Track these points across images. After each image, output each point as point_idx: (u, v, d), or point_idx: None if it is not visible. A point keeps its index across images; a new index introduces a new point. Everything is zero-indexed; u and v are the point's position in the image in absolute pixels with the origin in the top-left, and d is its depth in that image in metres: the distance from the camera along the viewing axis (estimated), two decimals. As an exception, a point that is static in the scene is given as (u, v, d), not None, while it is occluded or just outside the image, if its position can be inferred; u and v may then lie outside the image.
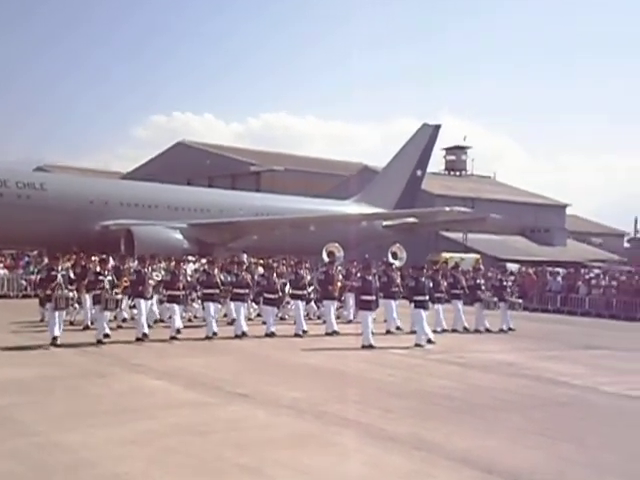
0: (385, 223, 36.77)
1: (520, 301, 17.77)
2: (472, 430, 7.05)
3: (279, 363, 11.17)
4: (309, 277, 16.03)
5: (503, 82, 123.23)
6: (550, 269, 29.95)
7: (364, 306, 13.41)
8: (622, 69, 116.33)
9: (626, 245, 56.72)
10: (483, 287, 17.06)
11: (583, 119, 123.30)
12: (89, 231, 26.46)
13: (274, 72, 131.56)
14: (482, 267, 21.71)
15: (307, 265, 17.05)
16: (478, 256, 36.44)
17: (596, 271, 30.97)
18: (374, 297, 13.50)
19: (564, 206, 56.10)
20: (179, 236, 27.38)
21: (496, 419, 7.62)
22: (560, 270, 29.67)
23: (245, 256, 19.81)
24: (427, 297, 13.87)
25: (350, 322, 16.64)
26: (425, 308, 13.71)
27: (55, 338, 11.66)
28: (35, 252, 26.87)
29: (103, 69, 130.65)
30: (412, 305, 13.95)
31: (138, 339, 12.61)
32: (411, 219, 37.16)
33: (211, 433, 6.53)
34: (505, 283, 17.42)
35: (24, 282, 21.46)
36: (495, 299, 16.67)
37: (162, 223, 27.62)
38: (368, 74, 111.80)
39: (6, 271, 21.68)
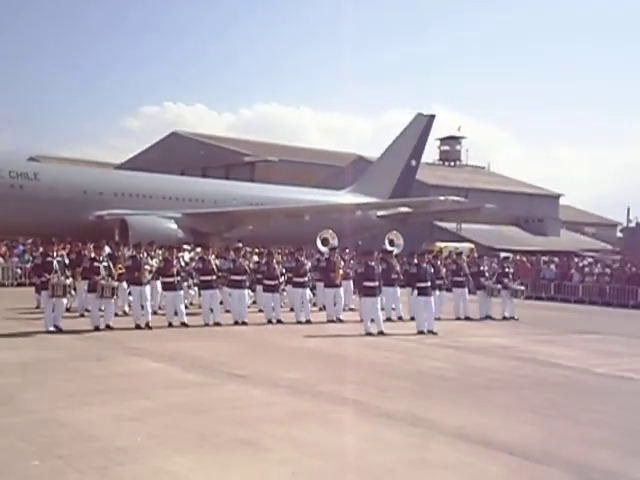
0: (379, 213, 36.87)
1: (522, 288, 17.51)
2: (466, 408, 7.15)
3: (277, 347, 11.25)
4: (309, 264, 15.95)
5: (496, 74, 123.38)
6: (544, 258, 30.13)
7: (367, 292, 13.10)
8: (618, 60, 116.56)
9: (619, 235, 57.04)
10: (487, 274, 16.97)
11: (577, 111, 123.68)
12: (83, 221, 26.46)
13: (267, 64, 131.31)
14: (477, 256, 21.83)
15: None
16: (472, 246, 36.65)
17: (589, 260, 31.19)
18: (377, 283, 13.28)
19: (557, 196, 56.39)
20: (173, 226, 27.42)
21: (490, 398, 7.72)
22: (554, 259, 29.86)
23: (240, 245, 19.85)
24: (429, 284, 13.75)
25: (352, 309, 16.46)
26: (427, 295, 13.60)
27: (49, 332, 11.46)
28: (30, 241, 26.83)
29: (94, 60, 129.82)
30: (414, 292, 13.84)
31: (137, 326, 12.52)
32: (405, 209, 37.29)
33: (209, 411, 6.60)
34: (507, 270, 17.35)
35: (19, 270, 21.44)
36: (498, 286, 16.58)
37: (156, 213, 27.64)
38: (361, 66, 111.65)
39: (1, 259, 21.64)
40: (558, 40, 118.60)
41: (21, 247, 24.06)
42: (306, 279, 15.21)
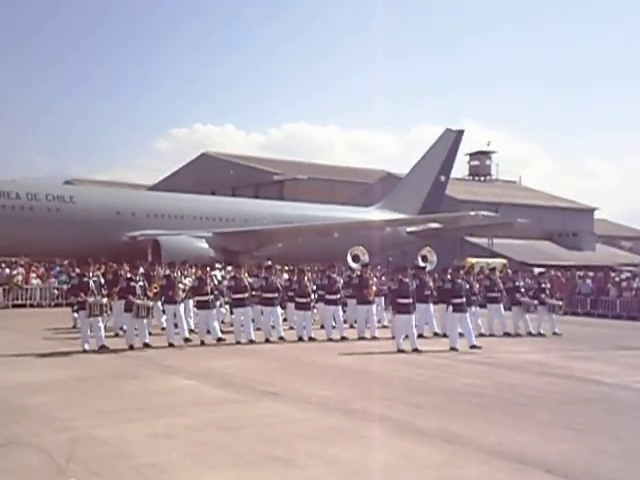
0: (409, 229, 36.70)
1: (560, 303, 17.22)
2: (501, 425, 7.02)
3: (308, 364, 11.24)
4: (341, 282, 15.86)
5: (526, 89, 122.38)
6: (579, 273, 29.52)
7: (401, 309, 12.87)
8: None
9: (657, 248, 55.54)
10: (522, 290, 16.67)
11: (608, 124, 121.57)
12: (117, 242, 26.97)
13: (294, 80, 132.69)
14: (510, 271, 21.52)
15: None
16: (505, 261, 36.09)
17: (627, 274, 30.42)
18: (411, 300, 13.06)
19: (592, 210, 55.28)
20: (205, 245, 27.75)
21: (525, 415, 7.58)
22: (589, 273, 29.22)
23: (270, 263, 19.97)
24: (464, 299, 13.54)
25: (385, 327, 16.30)
26: (463, 311, 13.43)
27: (86, 351, 11.62)
28: (66, 262, 27.46)
29: (128, 86, 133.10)
30: (449, 308, 13.63)
31: (170, 345, 12.66)
32: (435, 225, 37.01)
33: (242, 428, 6.63)
34: (543, 285, 17.05)
35: (56, 291, 21.93)
36: (535, 302, 16.30)
37: (188, 233, 28.03)
38: (389, 81, 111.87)
39: (39, 281, 22.17)
40: (589, 58, 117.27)
41: (58, 268, 24.63)
42: (338, 296, 15.14)
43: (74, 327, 15.04)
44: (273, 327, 14.27)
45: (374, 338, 14.54)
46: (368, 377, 10.00)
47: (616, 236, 57.12)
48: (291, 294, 15.20)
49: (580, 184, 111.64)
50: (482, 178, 60.79)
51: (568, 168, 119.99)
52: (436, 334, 15.02)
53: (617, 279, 26.74)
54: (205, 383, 9.04)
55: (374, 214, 36.98)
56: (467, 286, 14.08)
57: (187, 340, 13.00)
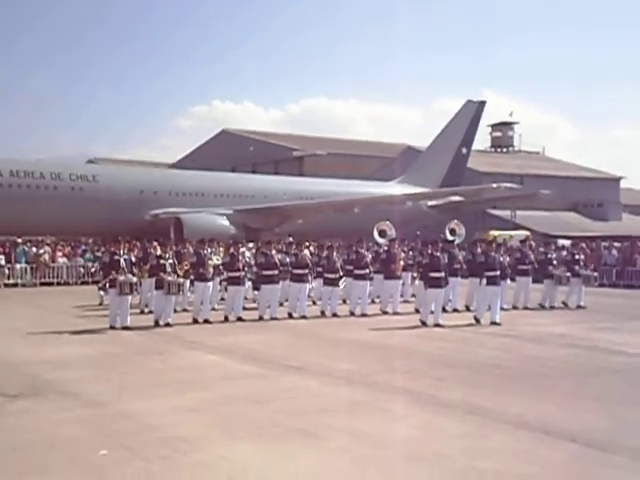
0: (430, 203, 36.43)
1: (595, 274, 16.91)
2: (525, 396, 7.02)
3: (331, 339, 11.31)
4: (370, 256, 15.60)
5: (548, 56, 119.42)
6: (604, 243, 29.06)
7: (434, 283, 12.77)
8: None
9: (686, 217, 54.29)
10: (555, 262, 16.37)
11: (636, 89, 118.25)
12: (140, 220, 27.26)
13: (313, 57, 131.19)
14: (533, 243, 21.27)
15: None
16: (528, 233, 35.66)
17: (654, 243, 29.85)
18: (443, 274, 12.96)
19: (618, 179, 54.13)
20: (226, 222, 27.90)
21: (549, 386, 7.56)
22: (615, 244, 28.75)
23: (291, 239, 20.00)
24: (498, 272, 13.33)
25: (406, 301, 16.23)
26: (497, 284, 13.22)
27: (113, 327, 11.75)
28: (91, 240, 27.86)
29: (148, 65, 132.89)
30: (483, 281, 13.43)
31: (195, 321, 12.76)
32: (457, 198, 36.67)
33: (266, 402, 6.72)
34: (577, 257, 16.75)
35: (82, 269, 22.29)
36: (568, 274, 16.03)
37: (209, 210, 28.20)
38: (408, 54, 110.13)
39: (65, 259, 22.54)
40: (617, 19, 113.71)
41: (84, 247, 25.00)
42: (367, 271, 14.91)
43: (100, 304, 15.31)
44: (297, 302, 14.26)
45: (396, 313, 14.52)
46: (391, 351, 10.04)
47: (643, 205, 55.94)
48: (319, 269, 15.06)
49: (606, 153, 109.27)
50: (505, 149, 59.88)
51: (593, 137, 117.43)
52: (455, 310, 14.83)
53: (644, 249, 26.24)
54: (229, 358, 9.17)
55: (395, 188, 36.74)
56: (500, 259, 13.88)
57: (207, 321, 12.91)
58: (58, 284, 21.69)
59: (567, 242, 30.55)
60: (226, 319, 13.24)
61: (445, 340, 10.99)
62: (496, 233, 33.32)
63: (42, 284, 21.47)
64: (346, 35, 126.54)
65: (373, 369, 8.42)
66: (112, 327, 11.85)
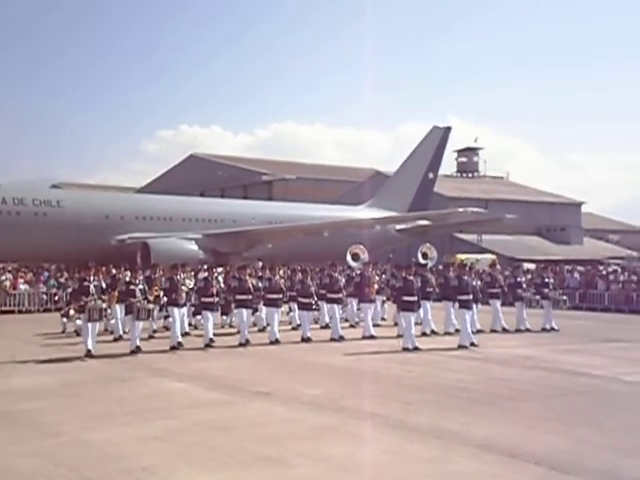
0: (399, 227, 36.78)
1: (565, 298, 17.16)
2: (491, 419, 7.08)
3: (300, 363, 11.24)
4: (343, 280, 15.62)
5: (511, 85, 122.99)
6: (567, 267, 29.73)
7: (406, 307, 12.84)
8: (632, 68, 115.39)
9: (644, 241, 56.02)
10: (524, 285, 16.58)
11: (593, 120, 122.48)
12: (106, 245, 26.80)
13: (280, 80, 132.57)
14: (499, 267, 21.61)
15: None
16: (494, 256, 36.25)
17: (614, 267, 30.69)
18: (416, 297, 13.05)
19: (579, 204, 55.65)
20: (194, 247, 27.64)
21: (515, 408, 7.64)
22: (578, 267, 29.44)
23: (260, 264, 19.95)
24: (471, 296, 13.48)
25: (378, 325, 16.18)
26: (469, 308, 13.36)
27: (89, 351, 11.58)
28: (54, 267, 27.27)
29: (114, 91, 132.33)
30: (456, 305, 13.52)
31: (172, 348, 12.54)
32: (424, 222, 37.13)
33: (233, 429, 6.63)
34: (547, 280, 16.97)
35: (44, 296, 21.76)
36: (537, 297, 16.23)
37: (177, 235, 27.93)
38: (374, 79, 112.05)
39: (27, 286, 21.99)
40: (573, 53, 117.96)
41: (46, 273, 24.45)
42: (340, 295, 14.94)
43: (63, 332, 14.97)
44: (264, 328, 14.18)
45: (371, 337, 14.38)
46: (359, 375, 10.02)
47: (603, 229, 57.53)
48: (292, 294, 15.01)
49: (566, 178, 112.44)
50: (470, 174, 61.06)
51: (554, 161, 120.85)
52: (424, 334, 14.74)
53: (604, 272, 26.96)
54: (196, 385, 9.03)
55: (363, 212, 37.03)
56: (473, 283, 13.98)
57: (180, 344, 12.72)
58: (19, 312, 21.12)
59: (532, 266, 31.29)
60: (207, 346, 12.90)
61: (414, 364, 11.02)
62: (463, 257, 33.77)
63: (2, 312, 20.86)
64: (311, 58, 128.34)
65: (341, 393, 8.39)
66: (89, 351, 11.57)
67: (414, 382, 9.33)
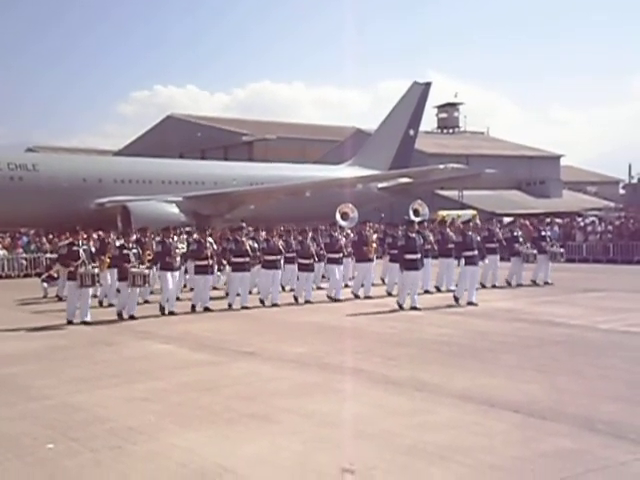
0: (380, 185, 36.76)
1: (562, 251, 17.10)
2: (471, 371, 7.24)
3: (284, 323, 11.34)
4: (343, 240, 15.18)
5: (491, 40, 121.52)
6: (547, 220, 30.05)
7: (409, 265, 12.48)
8: (609, 26, 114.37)
9: (621, 192, 56.76)
10: (521, 239, 16.48)
11: (573, 73, 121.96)
12: (84, 209, 26.55)
13: (256, 37, 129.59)
14: (479, 222, 21.78)
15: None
16: (475, 212, 36.55)
17: (592, 218, 31.12)
18: (419, 255, 12.72)
19: (558, 157, 56.02)
20: (175, 210, 27.47)
21: (494, 360, 7.81)
22: (557, 220, 29.79)
23: (244, 225, 19.84)
24: (476, 252, 13.34)
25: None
26: (475, 264, 13.20)
27: (71, 322, 11.13)
28: (32, 232, 26.95)
29: (84, 51, 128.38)
30: (462, 262, 13.42)
31: (162, 311, 12.23)
32: (406, 179, 37.14)
33: (219, 388, 6.71)
34: (544, 234, 16.91)
35: (24, 262, 21.55)
36: (534, 251, 16.20)
37: (157, 198, 27.67)
38: (354, 37, 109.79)
39: (5, 252, 21.73)
40: (554, 9, 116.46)
41: (25, 238, 24.15)
42: (341, 255, 14.65)
43: (44, 297, 14.90)
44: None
45: (367, 297, 14.31)
46: (342, 333, 10.13)
47: (582, 182, 58.09)
48: (289, 255, 14.50)
49: (548, 133, 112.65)
50: (451, 130, 60.92)
51: (535, 117, 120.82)
52: (427, 291, 14.71)
53: (582, 224, 27.34)
54: (181, 347, 9.09)
55: (345, 171, 36.90)
56: (478, 238, 13.89)
57: (172, 313, 12.34)
58: (-1, 277, 20.95)
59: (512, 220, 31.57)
60: (193, 309, 12.77)
61: (396, 320, 11.18)
62: (444, 213, 33.98)
63: (-19, 278, 20.69)
64: (288, 17, 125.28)
65: (325, 351, 8.50)
66: (70, 322, 11.23)
67: (396, 338, 9.48)
